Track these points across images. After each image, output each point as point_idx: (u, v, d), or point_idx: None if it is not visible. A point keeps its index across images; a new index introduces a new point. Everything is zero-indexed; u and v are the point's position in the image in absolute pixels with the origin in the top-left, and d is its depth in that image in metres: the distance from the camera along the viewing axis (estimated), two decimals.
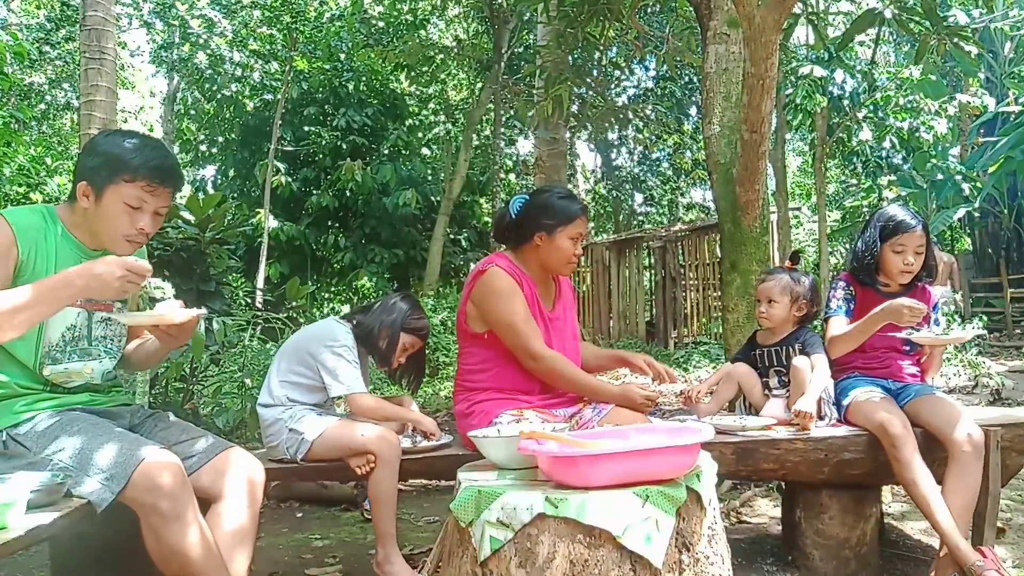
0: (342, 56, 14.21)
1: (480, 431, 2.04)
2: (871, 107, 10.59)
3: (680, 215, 19.18)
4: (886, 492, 3.35)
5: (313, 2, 13.65)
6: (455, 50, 13.33)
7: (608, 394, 2.46)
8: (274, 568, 2.85)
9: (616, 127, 14.02)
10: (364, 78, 14.40)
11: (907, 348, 2.72)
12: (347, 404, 2.60)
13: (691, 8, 4.36)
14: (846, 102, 10.57)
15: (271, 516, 3.64)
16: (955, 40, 3.49)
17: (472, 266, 5.64)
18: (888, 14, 3.38)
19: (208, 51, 14.26)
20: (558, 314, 2.62)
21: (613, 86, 14.60)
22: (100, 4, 5.11)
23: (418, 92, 15.47)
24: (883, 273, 2.71)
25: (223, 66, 14.16)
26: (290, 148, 13.40)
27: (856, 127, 10.51)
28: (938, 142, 11.26)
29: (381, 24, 14.11)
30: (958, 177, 11.46)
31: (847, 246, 17.04)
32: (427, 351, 2.92)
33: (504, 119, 12.72)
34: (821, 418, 2.54)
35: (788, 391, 2.65)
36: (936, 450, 2.40)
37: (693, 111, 16.07)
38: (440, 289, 13.27)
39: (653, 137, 16.55)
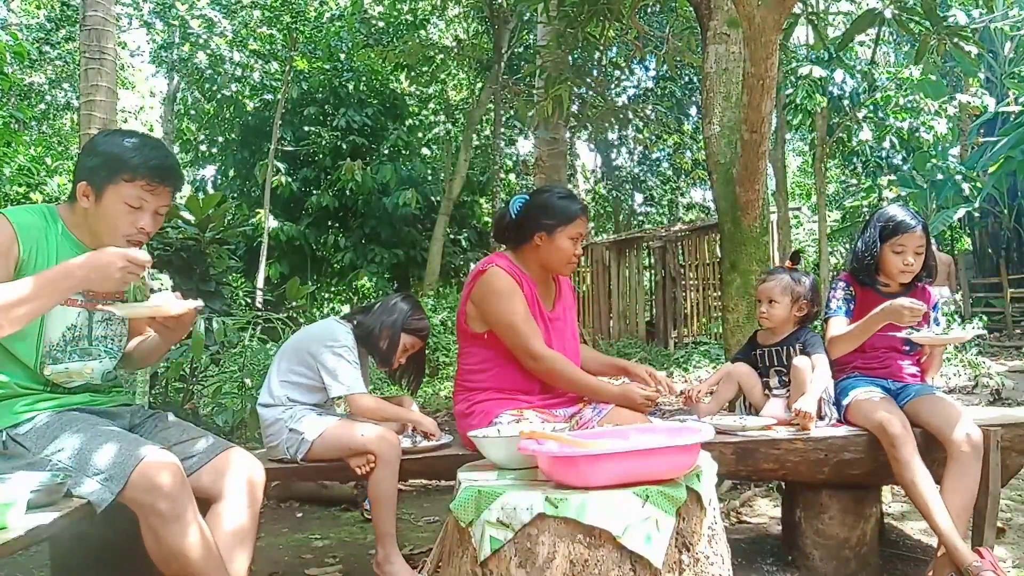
0: (342, 56, 14.21)
1: (480, 431, 2.04)
2: (871, 107, 10.58)
3: (680, 215, 19.17)
4: (886, 492, 3.35)
5: (313, 2, 13.65)
6: (455, 50, 13.33)
7: (608, 394, 2.46)
8: (274, 568, 2.85)
9: (616, 127, 14.03)
10: (364, 78, 14.40)
11: (907, 348, 2.72)
12: (347, 404, 2.60)
13: (691, 8, 4.36)
14: (846, 102, 10.57)
15: (271, 516, 3.64)
16: (955, 40, 3.49)
17: (472, 266, 5.64)
18: (888, 14, 3.38)
19: (208, 51, 14.26)
20: (558, 314, 2.62)
21: (613, 86, 14.60)
22: (100, 4, 5.12)
23: (418, 92, 15.47)
24: (883, 273, 2.71)
25: (223, 66, 14.16)
26: (290, 148, 13.40)
27: (856, 127, 10.51)
28: (938, 142, 11.26)
29: (381, 24, 14.11)
30: (958, 177, 11.46)
31: (847, 246, 17.04)
32: (427, 351, 2.92)
33: (504, 119, 12.72)
34: (821, 418, 2.54)
35: (788, 391, 2.65)
36: (935, 450, 2.40)
37: (693, 111, 16.06)
38: (440, 289, 13.28)
39: (653, 137, 16.55)
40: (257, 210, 12.41)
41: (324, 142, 13.38)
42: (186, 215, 4.33)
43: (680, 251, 12.74)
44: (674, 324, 12.43)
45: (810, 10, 4.01)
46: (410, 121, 15.45)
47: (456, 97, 16.46)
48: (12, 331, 1.68)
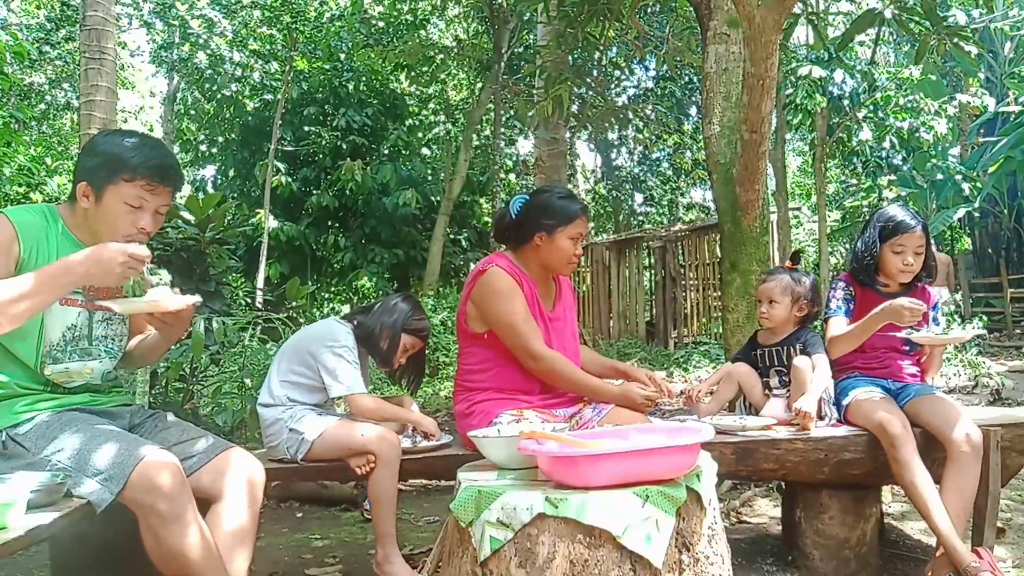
0: (342, 56, 14.21)
1: (480, 431, 2.04)
2: (871, 107, 10.58)
3: (680, 215, 19.17)
4: (886, 492, 3.35)
5: (313, 2, 13.65)
6: (455, 50, 13.32)
7: (608, 394, 2.46)
8: (274, 568, 2.85)
9: (616, 127, 14.03)
10: (364, 78, 14.40)
11: (907, 348, 2.72)
12: (347, 405, 2.60)
13: (691, 8, 4.36)
14: (846, 102, 10.57)
15: (271, 516, 3.64)
16: (955, 40, 3.49)
17: (472, 266, 5.64)
18: (888, 14, 3.38)
19: (208, 51, 14.26)
20: (558, 314, 2.62)
21: (613, 86, 14.60)
22: (100, 4, 5.12)
23: (418, 92, 15.47)
24: (883, 273, 2.71)
25: (223, 66, 14.16)
26: (290, 148, 13.40)
27: (856, 127, 10.51)
28: (938, 142, 11.26)
29: (381, 24, 14.11)
30: (958, 177, 11.46)
31: (847, 246, 17.04)
32: (427, 351, 2.92)
33: (504, 119, 12.72)
34: (821, 418, 2.54)
35: (788, 391, 2.65)
36: (935, 450, 2.40)
37: (693, 111, 16.06)
38: (440, 289, 13.28)
39: (653, 137, 16.55)
40: (257, 210, 12.41)
41: (324, 142, 13.38)
42: (186, 215, 4.32)
43: (680, 251, 12.74)
44: (674, 324, 12.43)
45: (810, 10, 4.01)
46: (410, 121, 15.45)
47: (456, 97, 16.46)
48: (12, 327, 1.67)
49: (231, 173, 14.93)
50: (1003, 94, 13.10)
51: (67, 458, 1.72)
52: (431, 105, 16.18)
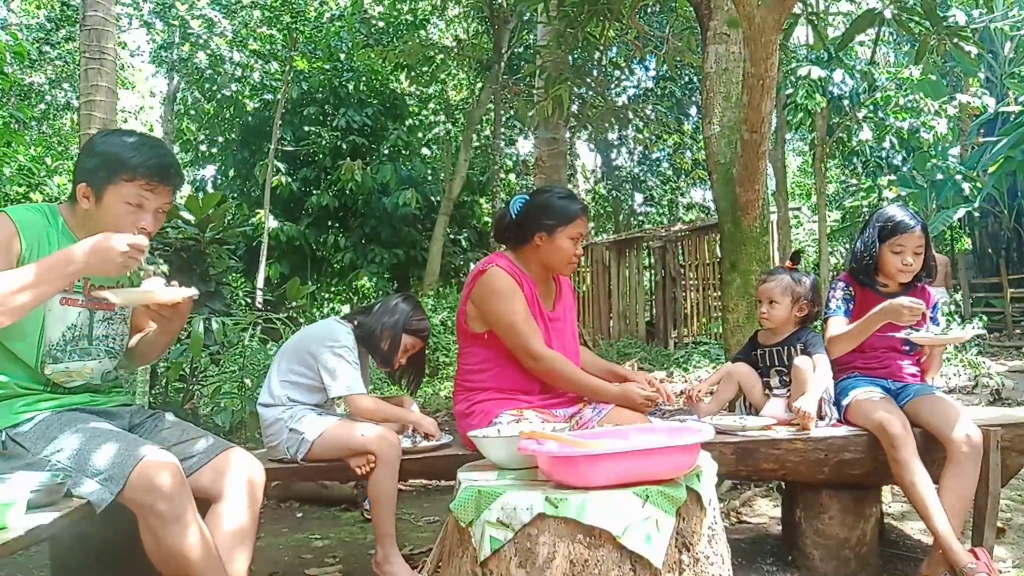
0: (342, 56, 14.21)
1: (480, 431, 2.04)
2: (871, 107, 10.58)
3: (680, 215, 19.17)
4: (886, 492, 3.35)
5: (313, 2, 13.65)
6: (455, 50, 13.33)
7: (608, 394, 2.46)
8: (274, 568, 2.85)
9: (616, 127, 14.04)
10: (364, 78, 14.40)
11: (907, 348, 2.72)
12: (346, 405, 2.60)
13: (691, 8, 4.36)
14: (846, 102, 10.56)
15: (271, 516, 3.64)
16: (955, 40, 3.49)
17: (472, 266, 5.64)
18: (888, 14, 3.38)
19: (208, 51, 14.27)
20: (558, 314, 2.62)
21: (613, 86, 14.60)
22: (100, 4, 5.12)
23: (418, 92, 15.47)
24: (882, 273, 2.71)
25: (223, 66, 14.17)
26: (290, 148, 13.40)
27: (856, 127, 10.50)
28: (938, 142, 11.26)
29: (381, 24, 14.11)
30: (958, 177, 11.46)
31: (847, 246, 17.03)
32: (427, 351, 2.92)
33: (504, 119, 12.73)
34: (821, 418, 2.54)
35: (789, 391, 2.65)
36: (935, 450, 2.40)
37: (693, 111, 16.06)
38: (440, 289, 13.28)
39: (653, 137, 16.55)
40: (257, 210, 12.41)
41: (324, 142, 13.39)
42: (186, 215, 4.32)
43: (680, 251, 12.74)
44: (674, 324, 12.43)
45: (810, 10, 4.01)
46: (410, 121, 15.46)
47: (456, 97, 16.46)
48: (13, 320, 1.66)
49: (231, 173, 14.93)
50: (1003, 94, 13.10)
51: (67, 458, 1.72)
52: (431, 105, 16.19)
